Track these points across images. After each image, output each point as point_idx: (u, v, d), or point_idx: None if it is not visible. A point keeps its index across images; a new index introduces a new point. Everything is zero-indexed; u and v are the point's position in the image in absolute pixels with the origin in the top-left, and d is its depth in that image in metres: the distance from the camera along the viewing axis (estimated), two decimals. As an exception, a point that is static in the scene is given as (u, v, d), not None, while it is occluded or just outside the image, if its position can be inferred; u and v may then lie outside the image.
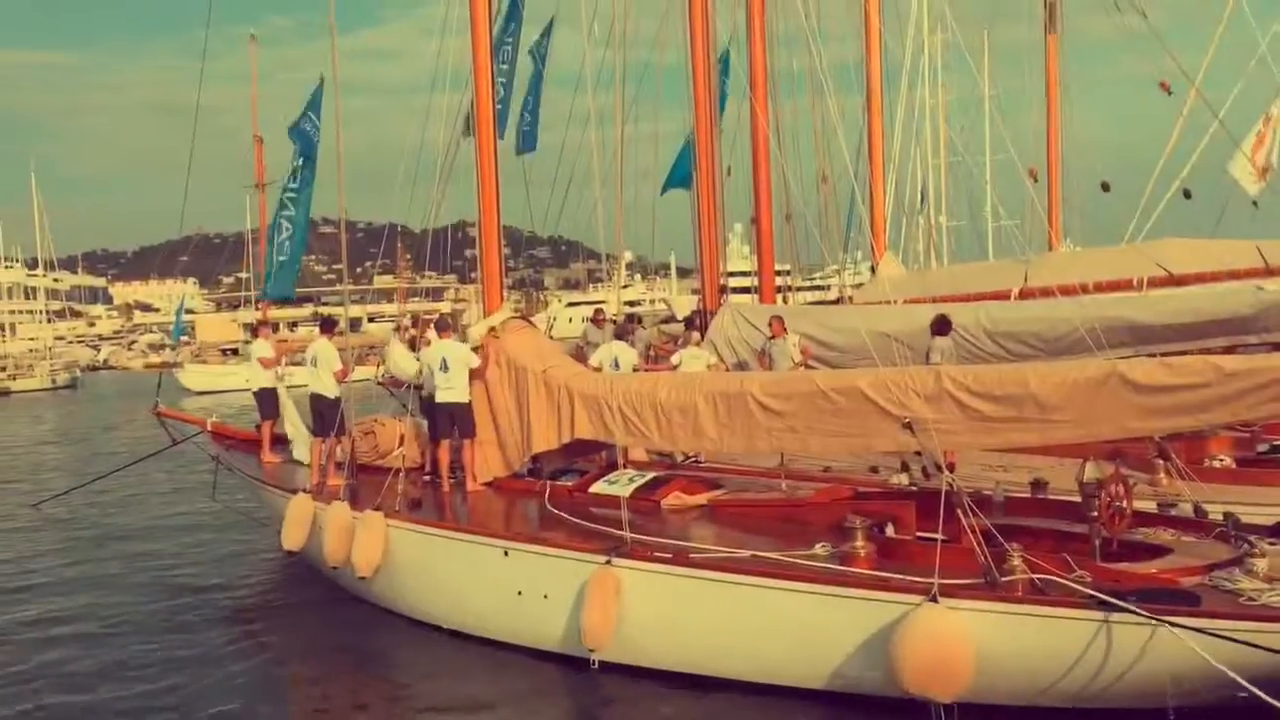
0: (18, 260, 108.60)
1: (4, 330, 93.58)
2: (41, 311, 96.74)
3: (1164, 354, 10.78)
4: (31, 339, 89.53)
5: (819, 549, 8.64)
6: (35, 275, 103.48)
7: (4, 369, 66.05)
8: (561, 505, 10.86)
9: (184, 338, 79.68)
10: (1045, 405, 8.26)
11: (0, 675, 10.17)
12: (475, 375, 12.21)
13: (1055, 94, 24.62)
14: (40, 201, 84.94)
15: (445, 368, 12.11)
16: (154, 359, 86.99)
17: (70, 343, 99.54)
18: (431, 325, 13.64)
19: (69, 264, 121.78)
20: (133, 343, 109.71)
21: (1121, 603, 6.98)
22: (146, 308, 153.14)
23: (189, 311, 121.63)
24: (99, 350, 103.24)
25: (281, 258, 16.49)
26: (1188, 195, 18.77)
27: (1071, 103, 26.20)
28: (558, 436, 11.57)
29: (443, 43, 13.97)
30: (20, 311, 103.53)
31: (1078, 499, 8.37)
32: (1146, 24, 15.40)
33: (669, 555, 8.92)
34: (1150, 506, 9.47)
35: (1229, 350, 11.74)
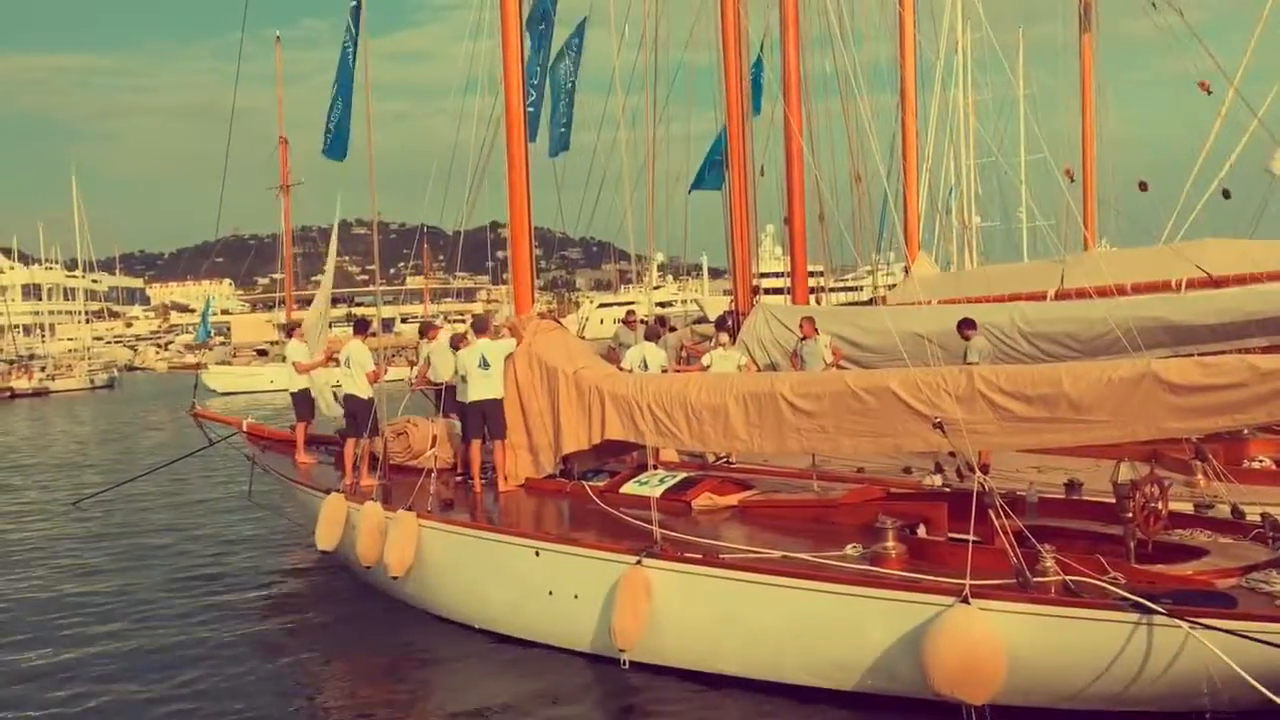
0: (57, 261, 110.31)
1: (44, 330, 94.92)
2: (80, 312, 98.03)
3: (1201, 354, 10.67)
4: (70, 339, 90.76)
5: (850, 550, 8.63)
6: (74, 276, 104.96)
7: (43, 369, 66.85)
8: (592, 506, 10.90)
9: (211, 338, 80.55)
10: (1079, 405, 8.19)
11: (34, 669, 10.34)
12: (508, 361, 12.31)
13: (1090, 93, 24.38)
14: (80, 203, 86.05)
15: (485, 365, 12.19)
16: (190, 359, 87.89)
17: (108, 343, 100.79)
18: (466, 328, 13.76)
19: (107, 265, 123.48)
20: (169, 343, 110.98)
21: (1155, 605, 6.92)
22: (183, 308, 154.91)
23: (224, 312, 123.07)
24: (136, 350, 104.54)
25: (332, 121, 16.96)
26: (1227, 195, 18.55)
27: (1107, 102, 25.96)
28: (588, 437, 11.59)
29: (475, 46, 14.06)
30: (59, 312, 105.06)
31: (1112, 500, 8.30)
32: (1184, 22, 15.26)
33: (699, 556, 8.93)
34: (1187, 508, 9.38)
35: (1268, 351, 11.59)
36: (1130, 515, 8.04)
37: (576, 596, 9.56)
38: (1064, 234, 23.34)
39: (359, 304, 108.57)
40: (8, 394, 60.24)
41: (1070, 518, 9.27)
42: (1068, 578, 7.43)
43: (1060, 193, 20.08)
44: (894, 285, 22.42)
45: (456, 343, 13.13)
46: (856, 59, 15.02)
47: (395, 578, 11.04)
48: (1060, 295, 15.59)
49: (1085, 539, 8.58)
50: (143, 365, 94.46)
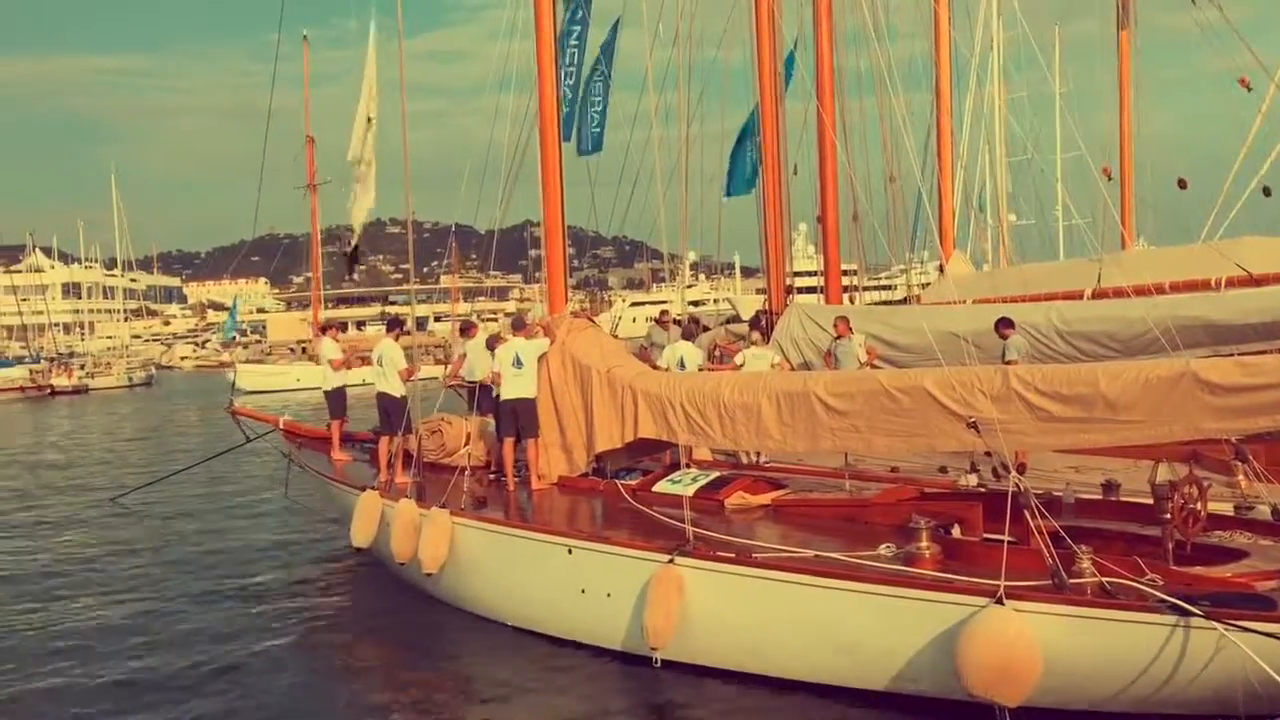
0: (97, 260, 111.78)
1: (83, 329, 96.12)
2: (119, 311, 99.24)
3: (1242, 354, 10.54)
4: (109, 337, 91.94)
5: (883, 549, 8.58)
6: (113, 275, 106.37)
7: (83, 367, 67.72)
8: (625, 504, 10.91)
9: (239, 337, 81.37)
10: (1116, 405, 8.11)
11: (69, 662, 10.46)
12: (542, 361, 12.37)
13: (1128, 90, 24.17)
14: (119, 203, 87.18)
15: (519, 364, 12.24)
16: (226, 357, 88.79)
17: (146, 341, 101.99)
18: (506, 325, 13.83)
19: (145, 264, 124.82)
20: (206, 341, 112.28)
21: (1193, 607, 6.84)
22: (219, 307, 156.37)
23: (260, 311, 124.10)
24: (170, 347, 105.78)
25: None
26: (1267, 193, 18.30)
27: (1145, 99, 25.70)
28: (621, 436, 11.61)
29: (509, 45, 14.10)
30: (99, 310, 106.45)
31: (1150, 501, 8.21)
32: (1224, 18, 15.09)
33: (732, 555, 8.91)
34: (1227, 509, 9.26)
35: (1310, 351, 11.41)
36: (1168, 516, 7.95)
37: (609, 595, 9.57)
38: (1101, 232, 23.08)
39: (392, 302, 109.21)
40: (48, 391, 61.07)
41: (1107, 519, 9.18)
42: (1104, 579, 7.36)
43: (1098, 191, 19.86)
44: (928, 284, 22.29)
45: (493, 343, 13.21)
46: (891, 56, 14.89)
47: (429, 574, 11.10)
48: (1097, 294, 15.43)
49: (1122, 540, 8.49)
50: (170, 364, 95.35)
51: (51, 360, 67.01)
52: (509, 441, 12.49)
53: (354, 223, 15.55)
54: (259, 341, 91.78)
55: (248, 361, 63.74)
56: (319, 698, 9.35)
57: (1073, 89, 35.00)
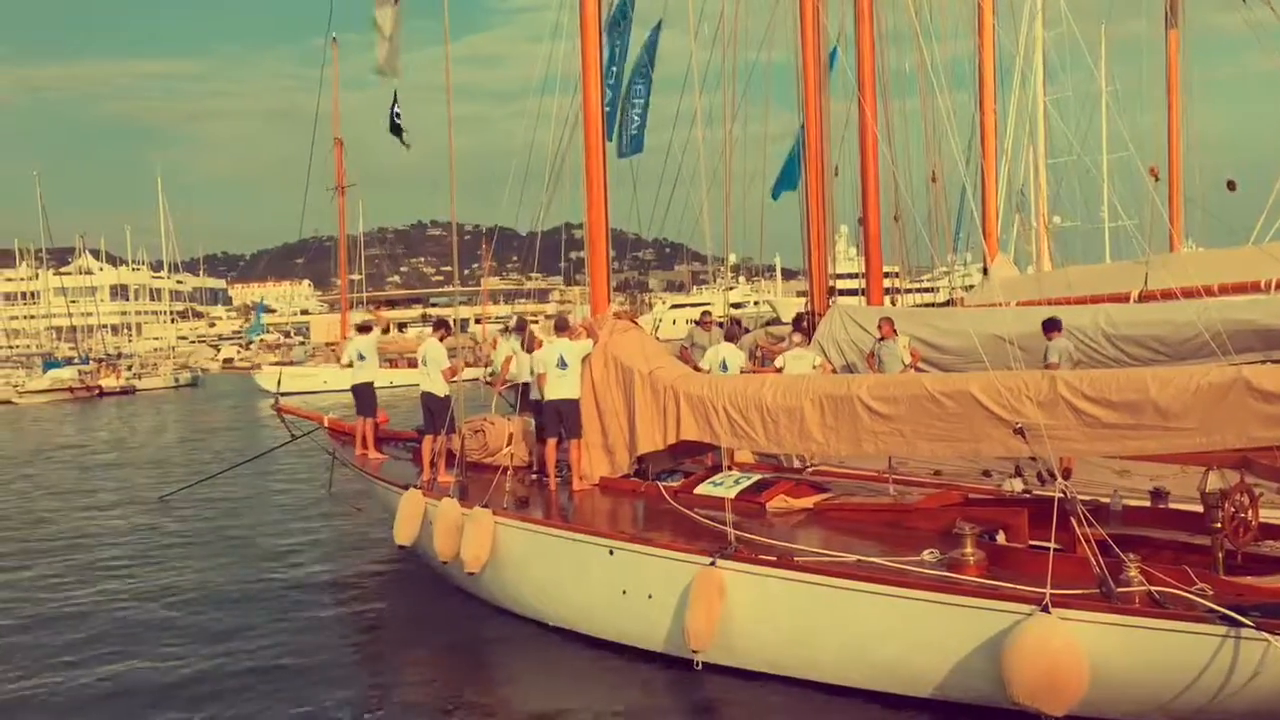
0: (144, 263, 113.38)
1: (130, 330, 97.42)
2: (165, 312, 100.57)
3: (1293, 359, 10.37)
4: (156, 339, 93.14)
5: (927, 555, 8.53)
6: (160, 277, 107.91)
7: (130, 368, 68.61)
8: (666, 506, 10.91)
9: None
10: (1165, 412, 8.01)
11: (115, 660, 10.61)
12: (585, 363, 12.41)
13: (1177, 90, 23.82)
14: (165, 206, 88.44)
15: (563, 364, 12.29)
16: (271, 357, 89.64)
17: (193, 343, 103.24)
18: (551, 327, 13.91)
19: (191, 266, 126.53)
20: (250, 342, 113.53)
21: (1243, 617, 6.73)
22: (264, 309, 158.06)
23: (304, 312, 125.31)
24: (219, 350, 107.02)
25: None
26: (1319, 194, 17.93)
27: (1194, 99, 25.30)
28: (663, 437, 11.62)
29: (552, 47, 14.14)
30: (145, 312, 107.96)
31: (1200, 509, 8.09)
32: (1275, 16, 14.82)
33: (773, 558, 8.89)
34: (1279, 518, 9.10)
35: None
36: (1219, 525, 7.83)
37: (650, 596, 9.58)
38: (1149, 234, 22.76)
39: (433, 304, 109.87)
40: (97, 392, 61.94)
41: (1156, 527, 9.06)
42: (1153, 588, 7.27)
43: (1145, 192, 19.59)
44: (970, 286, 22.10)
45: (530, 346, 13.25)
46: (935, 55, 14.74)
47: (471, 574, 11.16)
48: (1144, 297, 15.21)
49: (1171, 549, 8.39)
50: (196, 364, 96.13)
51: (100, 361, 67.91)
52: (551, 442, 12.54)
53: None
54: (302, 343, 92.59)
55: (276, 364, 63.76)
56: (358, 695, 9.41)
57: (1120, 89, 34.59)
